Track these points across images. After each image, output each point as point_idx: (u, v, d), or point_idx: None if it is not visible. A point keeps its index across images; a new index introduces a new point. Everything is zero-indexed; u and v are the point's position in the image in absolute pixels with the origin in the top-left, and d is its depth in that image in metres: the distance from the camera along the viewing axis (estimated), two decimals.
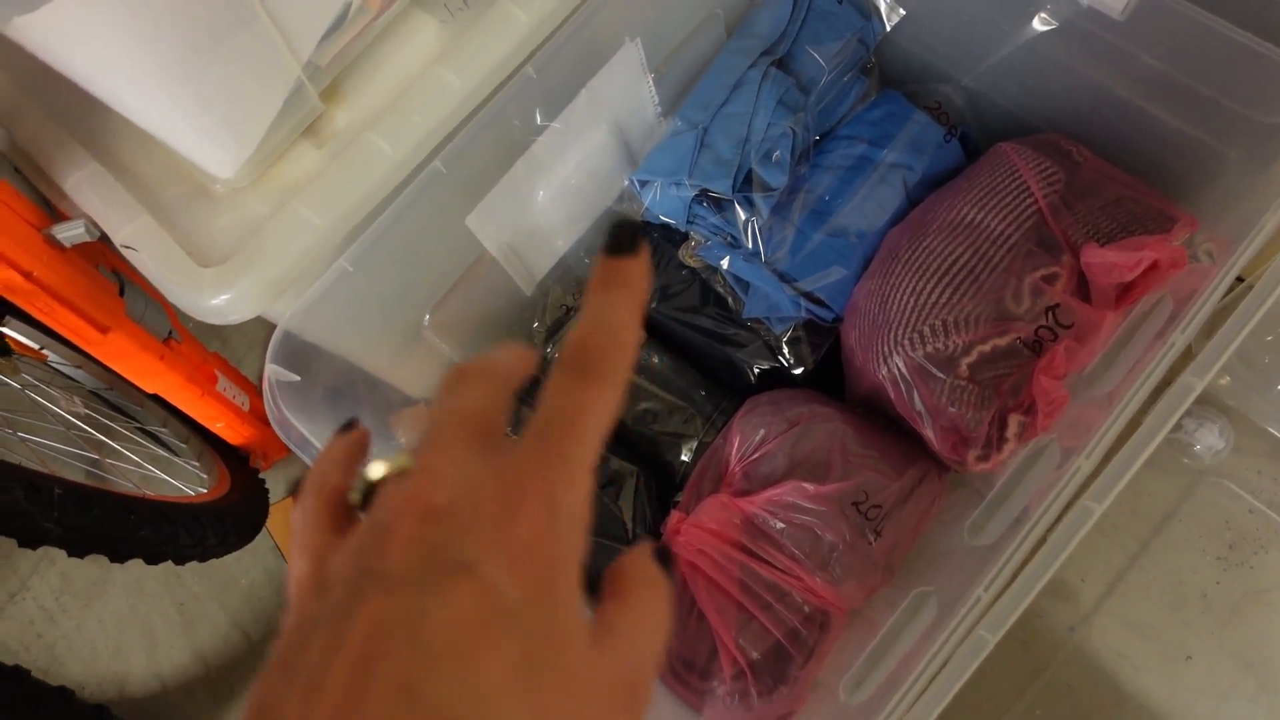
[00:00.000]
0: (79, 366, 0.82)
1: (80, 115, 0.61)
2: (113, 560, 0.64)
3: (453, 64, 0.61)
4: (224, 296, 0.56)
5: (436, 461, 0.21)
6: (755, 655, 0.63)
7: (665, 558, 0.24)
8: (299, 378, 0.60)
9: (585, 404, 0.22)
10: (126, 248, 0.57)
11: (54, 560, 0.96)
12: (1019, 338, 0.63)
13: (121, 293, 0.67)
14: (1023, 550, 0.52)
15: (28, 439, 0.74)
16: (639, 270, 0.24)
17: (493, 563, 0.19)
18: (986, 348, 0.63)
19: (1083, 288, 0.65)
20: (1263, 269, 0.54)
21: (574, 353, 0.23)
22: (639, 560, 0.23)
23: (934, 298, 0.64)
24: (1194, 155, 0.67)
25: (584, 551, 0.21)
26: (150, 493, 0.75)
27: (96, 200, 0.58)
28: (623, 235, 0.24)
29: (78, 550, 0.61)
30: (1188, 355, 0.54)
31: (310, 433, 0.57)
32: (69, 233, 0.58)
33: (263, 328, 1.03)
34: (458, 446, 0.22)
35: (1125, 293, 0.64)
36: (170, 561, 0.70)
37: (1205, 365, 0.51)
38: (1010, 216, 0.66)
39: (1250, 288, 0.54)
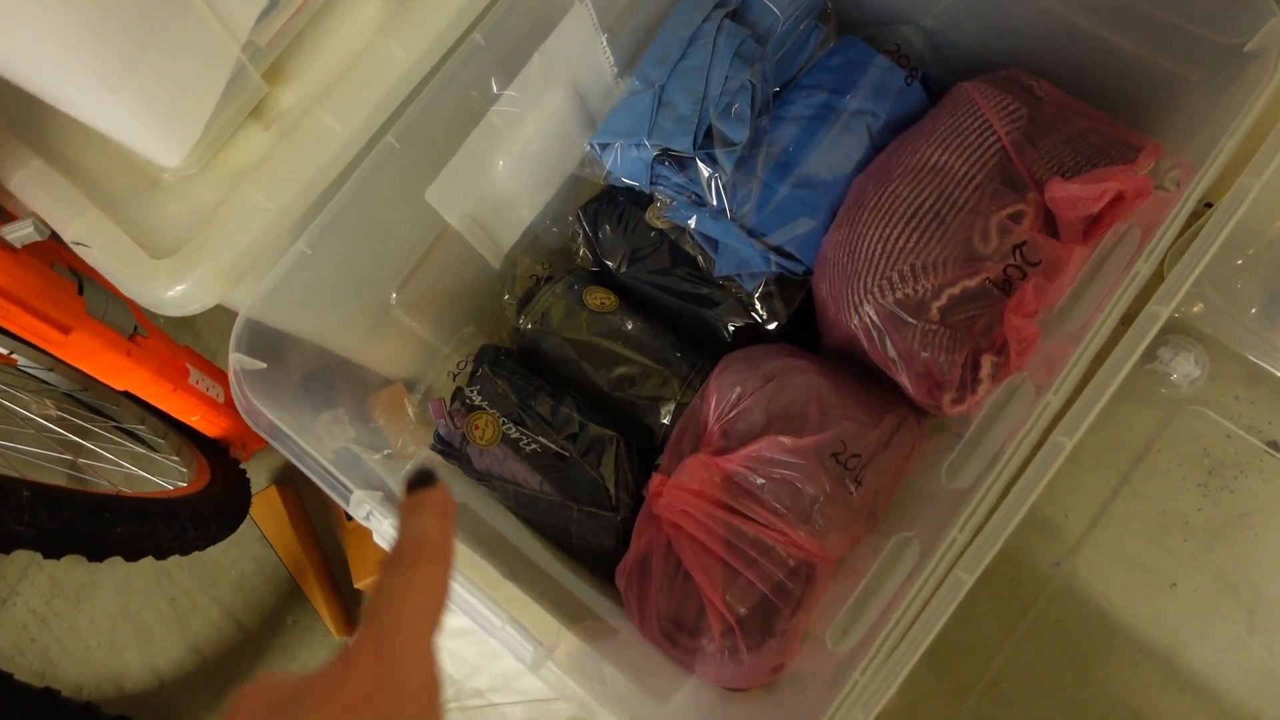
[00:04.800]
0: (50, 369, 0.81)
1: (20, 112, 0.60)
2: (90, 559, 0.64)
3: (397, 34, 0.60)
4: (179, 287, 0.55)
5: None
6: (743, 611, 0.63)
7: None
8: (265, 365, 0.59)
9: (409, 584, 0.25)
10: (77, 244, 0.56)
11: (42, 565, 0.96)
12: (988, 278, 0.63)
13: (80, 291, 0.66)
14: (996, 489, 0.52)
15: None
16: (440, 495, 0.28)
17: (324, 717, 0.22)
18: (956, 290, 0.63)
19: (1050, 224, 0.65)
20: (1226, 191, 0.53)
21: (394, 554, 0.26)
22: None
23: (901, 243, 0.64)
24: (1156, 82, 0.67)
25: (428, 705, 0.24)
26: (129, 490, 0.75)
27: (43, 197, 0.57)
28: (422, 478, 0.29)
29: (53, 552, 0.60)
30: (1160, 282, 0.54)
31: (281, 420, 0.57)
32: (18, 233, 0.57)
33: (234, 318, 1.02)
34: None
35: (1092, 226, 0.64)
36: (151, 557, 0.69)
37: (1170, 292, 0.51)
38: (974, 156, 0.65)
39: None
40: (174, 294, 0.55)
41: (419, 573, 0.25)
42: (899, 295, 0.63)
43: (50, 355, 0.75)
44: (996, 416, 0.60)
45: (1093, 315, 0.55)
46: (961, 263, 0.63)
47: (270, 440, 0.57)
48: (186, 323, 1.02)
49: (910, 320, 0.63)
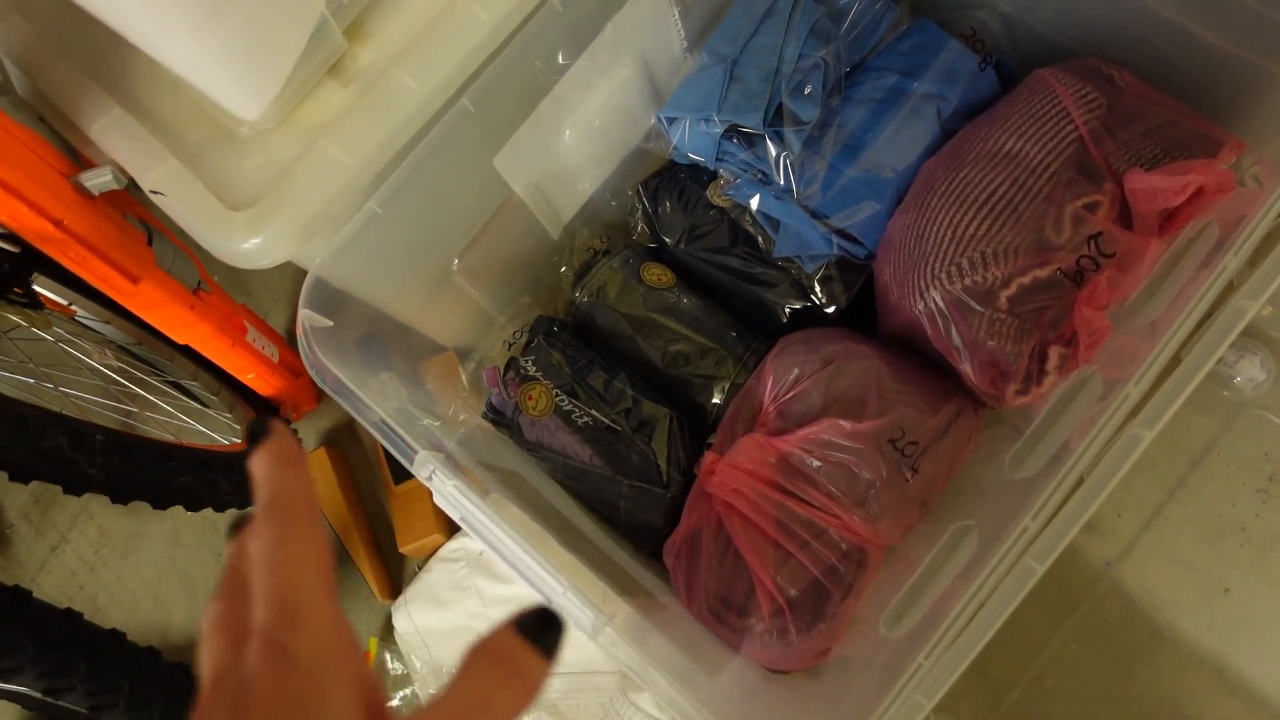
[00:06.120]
0: (107, 322, 0.82)
1: (102, 61, 0.61)
2: (155, 506, 0.65)
3: None
4: (255, 240, 0.56)
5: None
6: (793, 593, 0.63)
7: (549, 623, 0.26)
8: (331, 323, 0.60)
9: (285, 557, 0.24)
10: (155, 193, 0.57)
11: (91, 514, 0.97)
12: (1060, 268, 0.62)
13: (150, 242, 0.66)
14: (1068, 481, 0.51)
15: (66, 392, 0.74)
16: (281, 442, 0.27)
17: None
18: (1026, 280, 0.62)
19: (1125, 216, 0.63)
20: None
21: (256, 527, 0.25)
22: (490, 645, 0.25)
23: (972, 230, 0.63)
24: (1241, 75, 0.65)
25: (347, 671, 0.23)
26: (187, 441, 0.76)
27: (122, 145, 0.58)
28: (259, 427, 0.27)
29: (120, 497, 0.61)
30: (1229, 287, 0.53)
31: (346, 376, 0.57)
32: (97, 180, 0.58)
33: (288, 281, 1.03)
34: None
35: (1169, 219, 0.62)
36: (211, 509, 0.70)
37: (1258, 288, 0.50)
38: (1050, 144, 0.64)
39: None
40: (249, 246, 0.56)
41: (292, 541, 0.24)
42: (967, 282, 0.62)
43: (109, 308, 0.76)
44: (1064, 409, 0.59)
45: (1172, 312, 0.54)
46: (1033, 251, 0.62)
47: (335, 396, 0.58)
48: (240, 282, 1.02)
49: (978, 308, 0.62)
